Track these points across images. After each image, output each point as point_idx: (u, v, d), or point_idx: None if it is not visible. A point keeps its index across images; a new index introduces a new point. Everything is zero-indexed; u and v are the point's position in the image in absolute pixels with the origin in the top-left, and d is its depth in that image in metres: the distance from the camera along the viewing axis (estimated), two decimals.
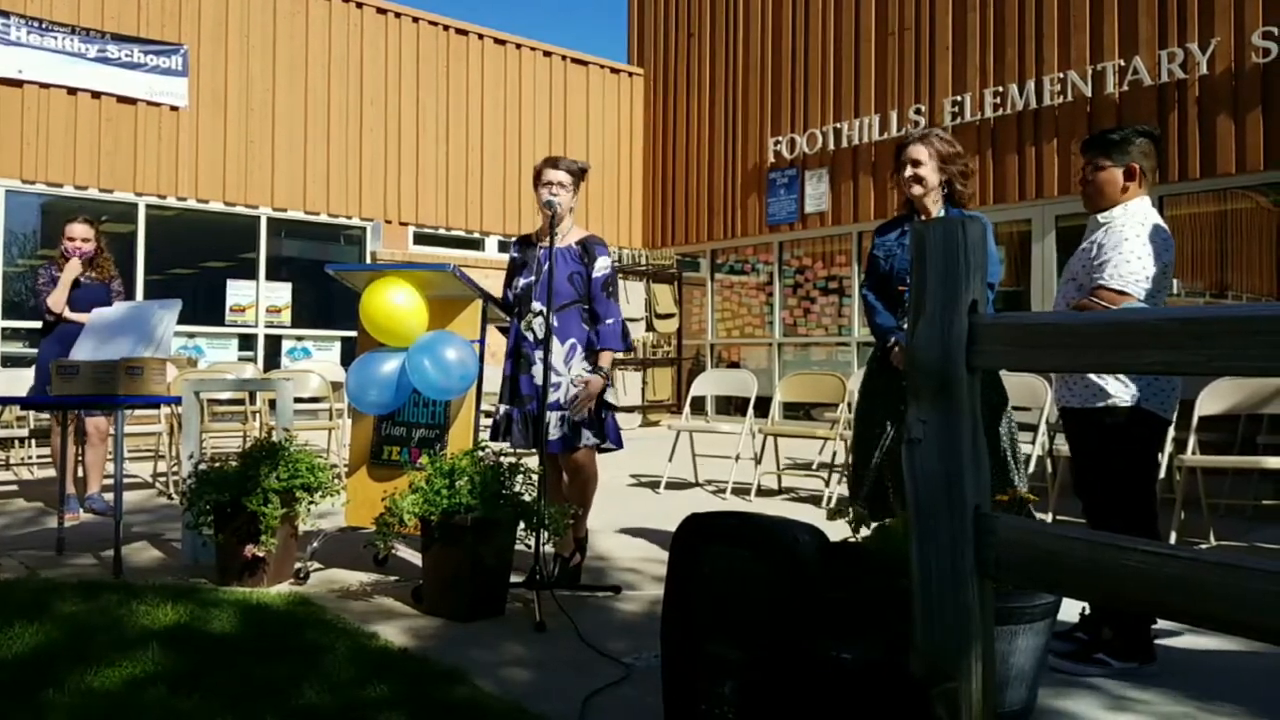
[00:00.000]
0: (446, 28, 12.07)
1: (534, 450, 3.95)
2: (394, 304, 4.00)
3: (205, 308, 10.34)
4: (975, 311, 1.78)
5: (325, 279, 4.66)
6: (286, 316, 10.88)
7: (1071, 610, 3.13)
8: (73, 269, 5.61)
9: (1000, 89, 9.64)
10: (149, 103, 9.95)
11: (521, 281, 4.13)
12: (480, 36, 12.33)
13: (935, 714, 1.72)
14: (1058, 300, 3.33)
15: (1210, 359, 1.46)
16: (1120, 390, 3.04)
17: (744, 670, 2.11)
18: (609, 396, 4.06)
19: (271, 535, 3.84)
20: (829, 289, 11.45)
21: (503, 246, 12.14)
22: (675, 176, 13.17)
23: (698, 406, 10.36)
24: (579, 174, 4.12)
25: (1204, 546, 4.74)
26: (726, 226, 12.42)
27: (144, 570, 4.19)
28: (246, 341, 10.63)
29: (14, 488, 6.63)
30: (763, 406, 7.05)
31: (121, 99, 9.81)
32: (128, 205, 9.91)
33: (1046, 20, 9.33)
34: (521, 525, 3.60)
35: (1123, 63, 8.76)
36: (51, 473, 6.48)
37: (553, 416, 3.90)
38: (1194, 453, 5.00)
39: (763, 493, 6.57)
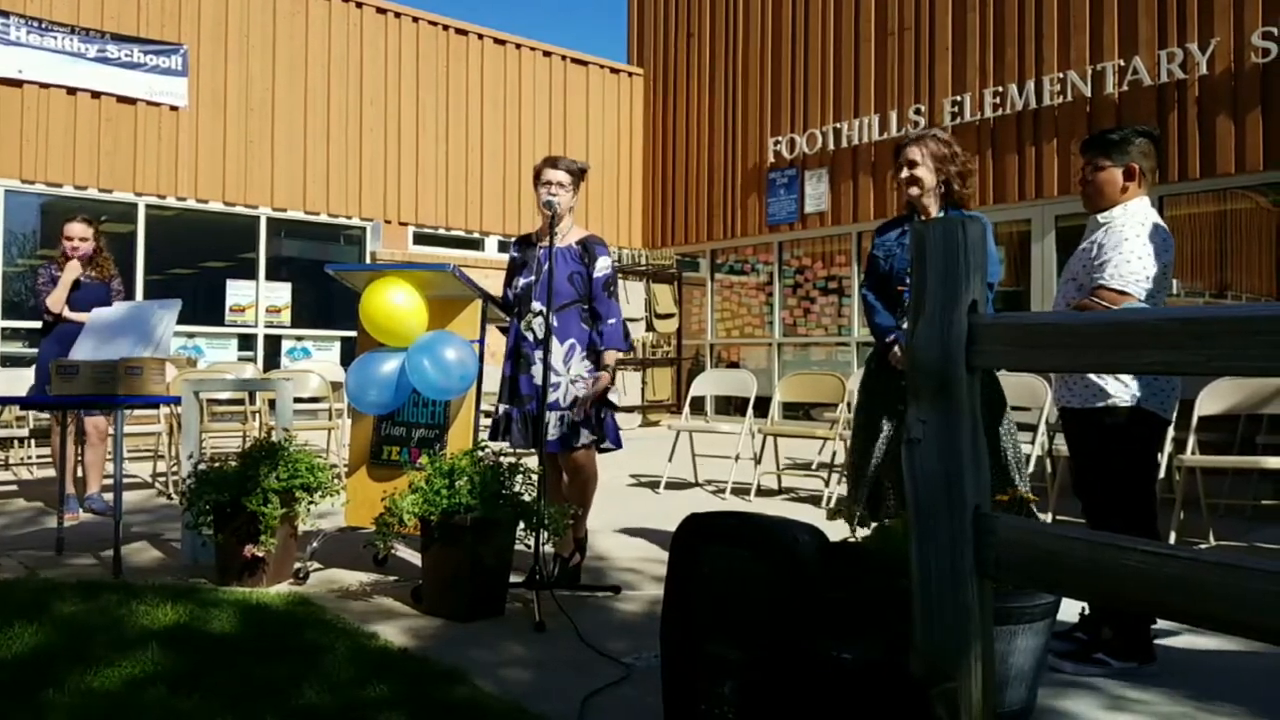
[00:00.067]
0: (446, 28, 12.07)
1: (533, 450, 3.95)
2: (394, 304, 4.00)
3: (205, 308, 10.34)
4: (975, 311, 1.78)
5: (325, 279, 4.66)
6: (286, 316, 10.88)
7: (1071, 610, 3.13)
8: (72, 270, 5.61)
9: (1000, 89, 9.64)
10: (149, 103, 9.95)
11: (521, 281, 4.13)
12: (480, 36, 12.33)
13: (935, 714, 1.72)
14: (1057, 300, 3.33)
15: (1210, 359, 1.46)
16: (1120, 390, 3.04)
17: (744, 670, 2.11)
18: (611, 396, 4.06)
19: (271, 535, 3.83)
20: (829, 289, 11.45)
21: (502, 246, 12.15)
22: (675, 176, 13.17)
23: (697, 406, 10.36)
24: (579, 174, 4.12)
25: (1204, 546, 4.74)
26: (726, 226, 12.42)
27: (144, 570, 4.19)
28: (246, 341, 10.63)
29: (14, 488, 6.63)
30: (762, 406, 7.05)
31: (121, 99, 9.81)
32: (127, 205, 9.91)
33: (1046, 20, 9.34)
34: (521, 525, 3.60)
35: (1122, 63, 8.76)
36: (51, 473, 6.48)
37: (552, 416, 3.90)
38: (1194, 453, 5.00)
39: (762, 493, 6.57)
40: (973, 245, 1.78)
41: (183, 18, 10.18)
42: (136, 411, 6.71)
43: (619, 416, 4.33)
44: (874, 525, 2.49)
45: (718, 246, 12.68)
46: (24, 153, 9.31)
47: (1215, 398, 5.08)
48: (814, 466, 7.38)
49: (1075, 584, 1.67)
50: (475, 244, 12.32)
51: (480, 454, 3.73)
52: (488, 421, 4.28)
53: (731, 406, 10.77)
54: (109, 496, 5.30)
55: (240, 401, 7.98)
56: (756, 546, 2.22)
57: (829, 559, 2.19)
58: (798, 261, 11.84)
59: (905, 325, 2.82)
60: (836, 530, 2.49)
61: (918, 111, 10.33)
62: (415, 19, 11.80)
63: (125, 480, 4.64)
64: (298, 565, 4.08)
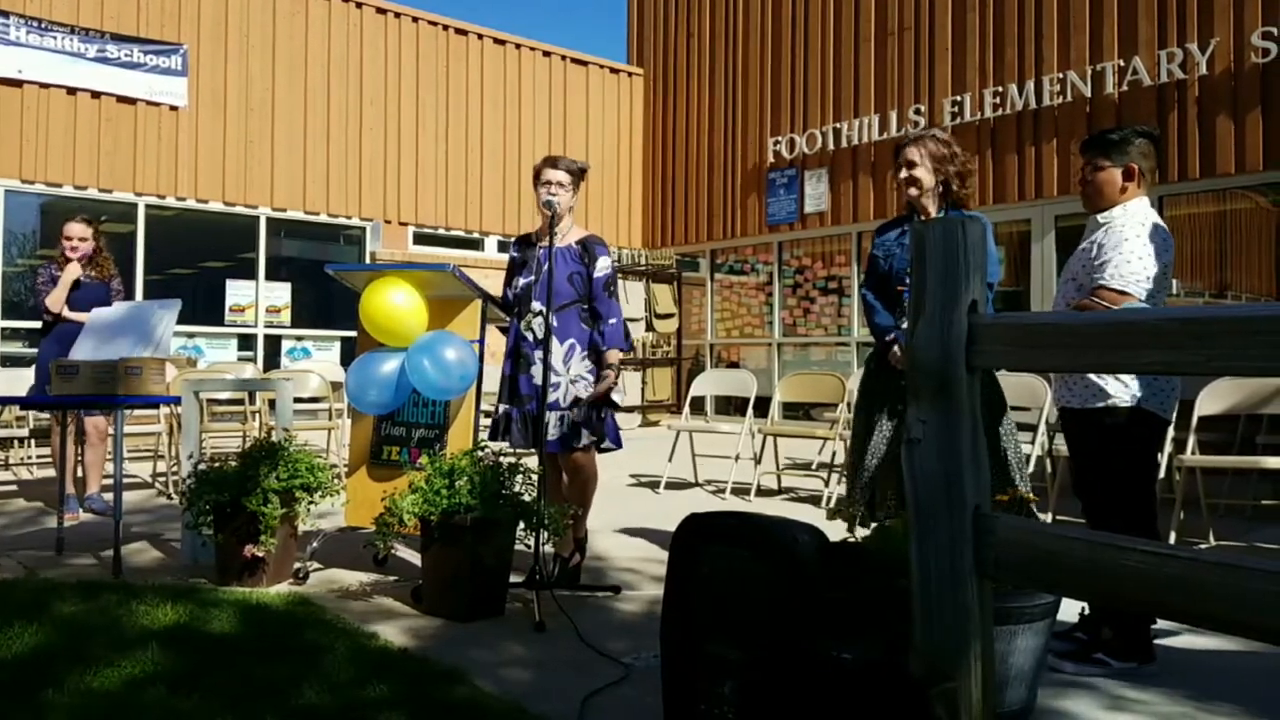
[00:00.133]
0: (446, 28, 12.07)
1: (533, 450, 3.95)
2: (394, 304, 4.00)
3: (205, 308, 10.34)
4: (975, 311, 1.78)
5: (325, 279, 4.66)
6: (286, 316, 10.87)
7: (1071, 610, 3.13)
8: (72, 271, 5.62)
9: (1000, 89, 9.64)
10: (148, 102, 9.95)
11: (521, 281, 4.13)
12: (480, 36, 12.33)
13: (935, 714, 1.72)
14: (1057, 300, 3.33)
15: (1210, 359, 1.46)
16: (1120, 390, 3.04)
17: (743, 670, 2.11)
18: (615, 396, 4.07)
19: (271, 535, 3.83)
20: (828, 289, 11.45)
21: (502, 246, 12.15)
22: (675, 176, 13.17)
23: (697, 406, 10.36)
24: (578, 174, 4.12)
25: (1203, 546, 4.74)
26: (726, 226, 12.43)
27: (143, 570, 4.19)
28: (246, 341, 10.63)
29: (14, 488, 6.63)
30: (762, 406, 7.05)
31: (121, 99, 9.81)
32: (127, 205, 9.91)
33: (1046, 20, 9.34)
34: (521, 525, 3.60)
35: (1122, 63, 8.76)
36: (51, 473, 6.48)
37: (552, 417, 3.90)
38: (1193, 453, 5.00)
39: (762, 493, 6.57)
40: (973, 245, 1.78)
41: (182, 18, 10.18)
42: (136, 411, 6.71)
43: (619, 416, 4.33)
44: (874, 525, 2.49)
45: (717, 246, 12.68)
46: (24, 153, 9.31)
47: (1215, 398, 5.08)
48: (814, 466, 7.38)
49: (1075, 584, 1.67)
50: (475, 244, 12.33)
51: (480, 454, 3.73)
52: (488, 421, 4.28)
53: (731, 406, 10.77)
54: (109, 496, 5.30)
55: (240, 401, 7.98)
56: (756, 546, 2.22)
57: (829, 559, 2.19)
58: (797, 261, 11.84)
59: (905, 325, 2.82)
60: (836, 530, 2.49)
61: (918, 111, 10.33)
62: (415, 19, 11.80)
63: (125, 480, 4.64)
64: (298, 565, 4.08)
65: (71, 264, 5.63)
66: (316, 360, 10.61)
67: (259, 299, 10.68)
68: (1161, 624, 3.18)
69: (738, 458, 6.59)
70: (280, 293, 10.85)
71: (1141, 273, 2.99)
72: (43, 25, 9.38)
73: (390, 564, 4.27)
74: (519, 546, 3.67)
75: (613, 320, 4.01)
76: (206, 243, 10.70)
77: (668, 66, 13.37)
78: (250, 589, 3.84)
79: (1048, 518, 5.10)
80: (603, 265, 4.05)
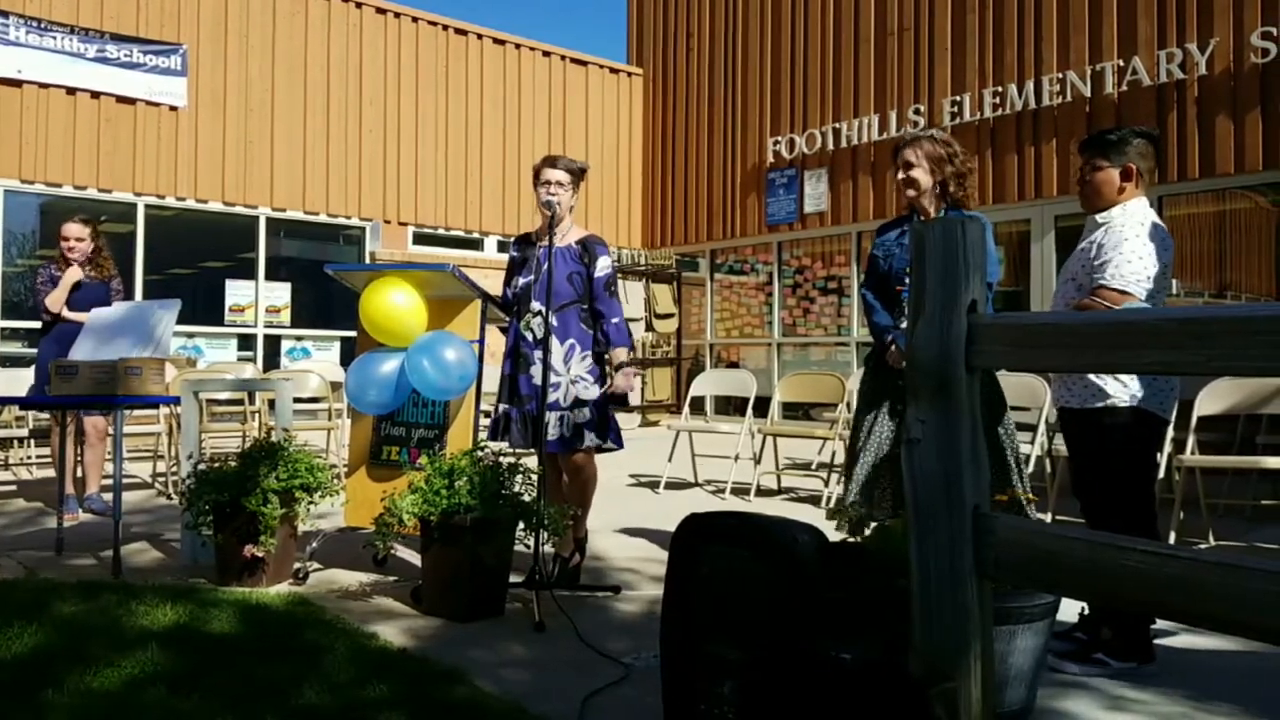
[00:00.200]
0: (446, 28, 12.06)
1: (533, 450, 3.95)
2: (393, 304, 4.00)
3: (204, 308, 10.33)
4: (974, 311, 1.78)
5: (324, 279, 4.66)
6: (286, 316, 10.87)
7: (1070, 610, 3.13)
8: (73, 275, 5.62)
9: (999, 89, 9.64)
10: (148, 103, 9.95)
11: (521, 281, 4.13)
12: (479, 36, 12.33)
13: (934, 714, 1.72)
14: (1056, 300, 3.33)
15: (1210, 359, 1.46)
16: (1119, 390, 3.04)
17: (743, 670, 2.11)
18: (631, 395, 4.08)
19: (271, 535, 3.83)
20: (828, 289, 11.45)
21: (502, 246, 12.15)
22: (674, 177, 13.17)
23: (697, 406, 10.36)
24: (578, 173, 4.12)
25: (1203, 546, 4.74)
26: (726, 226, 12.43)
27: (143, 570, 4.19)
28: (246, 341, 10.62)
29: (13, 488, 6.63)
30: (762, 406, 7.06)
31: (120, 99, 9.80)
32: (127, 205, 9.90)
33: (1045, 21, 9.34)
34: (521, 525, 3.60)
35: (1121, 63, 8.76)
36: (50, 473, 6.47)
37: (552, 417, 3.90)
38: (1193, 453, 5.00)
39: (762, 493, 6.57)
40: (972, 245, 1.78)
41: (182, 18, 10.18)
42: (136, 412, 6.71)
43: (619, 416, 4.33)
44: (873, 525, 2.49)
45: (717, 246, 12.68)
46: (23, 153, 9.31)
47: (1214, 398, 5.08)
48: (814, 466, 7.38)
49: (1074, 584, 1.67)
50: (475, 244, 12.32)
51: (480, 454, 3.73)
52: (487, 421, 4.28)
53: (731, 406, 10.77)
54: (108, 496, 5.30)
55: (240, 401, 7.98)
56: (756, 546, 2.22)
57: (828, 559, 2.19)
58: (797, 261, 11.84)
59: (904, 325, 2.83)
60: (836, 530, 2.49)
61: (917, 112, 10.33)
62: (415, 19, 11.80)
63: (125, 480, 4.64)
64: (297, 565, 4.08)
65: (72, 267, 5.63)
66: (316, 360, 10.61)
67: (259, 299, 10.68)
68: (1161, 624, 3.18)
69: (737, 458, 6.59)
70: (280, 293, 10.85)
71: (1142, 272, 2.99)
72: (42, 25, 9.38)
73: (390, 564, 4.27)
74: (519, 546, 3.67)
75: (615, 319, 4.02)
76: (206, 243, 10.70)
77: (667, 66, 13.37)
78: (250, 589, 3.84)
79: (1047, 518, 5.10)
80: (603, 265, 4.05)
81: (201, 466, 4.10)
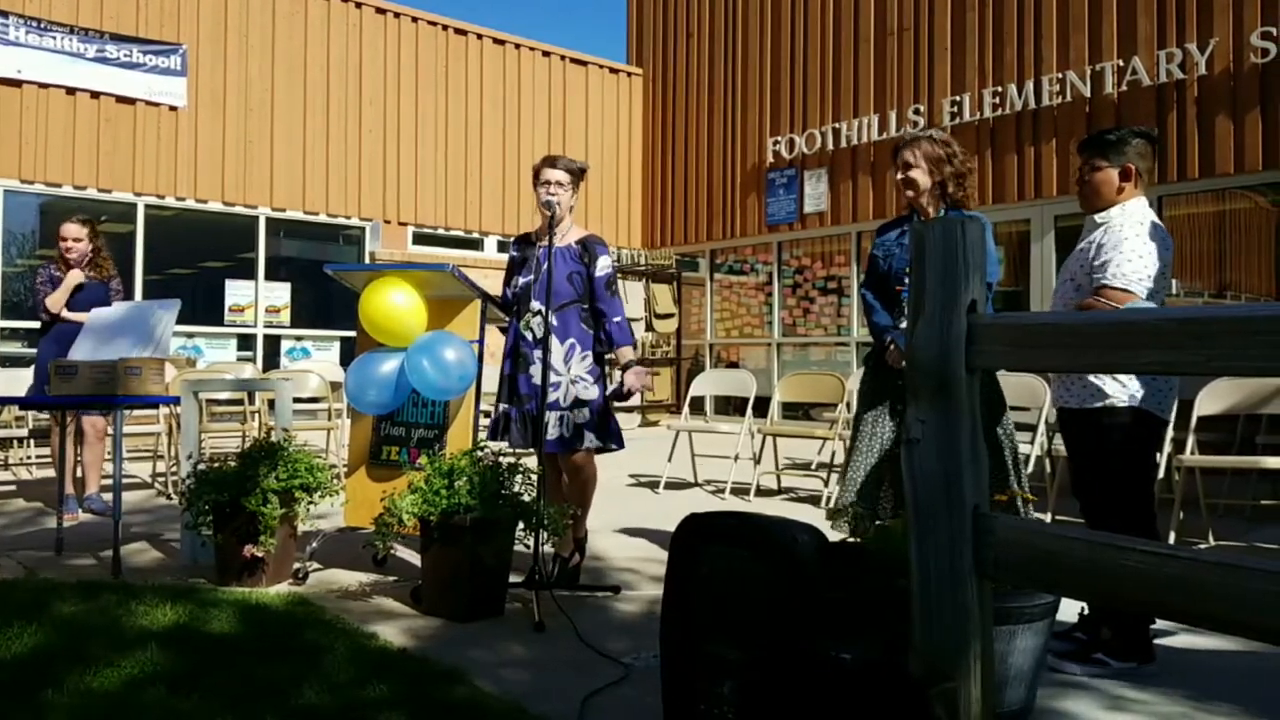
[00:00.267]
0: (446, 28, 12.06)
1: (533, 450, 3.95)
2: (393, 304, 4.00)
3: (204, 308, 10.33)
4: (974, 311, 1.78)
5: (324, 279, 4.66)
6: (285, 316, 10.87)
7: (1070, 610, 3.13)
8: (75, 278, 5.62)
9: (999, 89, 9.64)
10: (148, 103, 9.94)
11: (520, 281, 4.13)
12: (479, 36, 12.33)
13: (934, 714, 1.72)
14: (1055, 300, 3.33)
15: (1210, 359, 1.46)
16: (1118, 390, 3.04)
17: (743, 670, 2.11)
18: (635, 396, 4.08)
19: (270, 535, 3.83)
20: (828, 289, 11.45)
21: (501, 246, 12.15)
22: (674, 177, 13.17)
23: (697, 406, 10.36)
24: (578, 173, 4.12)
25: (1203, 546, 4.74)
26: (726, 226, 12.43)
27: (143, 570, 4.19)
28: (245, 341, 10.62)
29: (13, 488, 6.63)
30: (762, 406, 7.06)
31: (120, 99, 9.80)
32: (126, 205, 9.90)
33: (1045, 20, 9.34)
34: (521, 525, 3.60)
35: (1121, 63, 8.76)
36: (50, 473, 6.47)
37: (552, 416, 3.90)
38: (1193, 453, 5.00)
39: (762, 493, 6.57)
40: (972, 245, 1.78)
41: (181, 18, 10.18)
42: (136, 412, 6.71)
43: (619, 416, 4.33)
44: (873, 526, 2.49)
45: (717, 246, 12.68)
46: (23, 153, 9.31)
47: (1214, 398, 5.08)
48: (813, 466, 7.39)
49: (1074, 584, 1.67)
50: (475, 244, 12.32)
51: (480, 454, 3.73)
52: (487, 421, 4.28)
53: (731, 406, 10.77)
54: (108, 496, 5.30)
55: (239, 401, 7.98)
56: (756, 546, 2.22)
57: (828, 559, 2.19)
58: (797, 261, 11.84)
59: (904, 325, 2.83)
60: (835, 530, 2.49)
61: (917, 111, 10.33)
62: (415, 19, 11.80)
63: (125, 480, 4.64)
64: (297, 565, 4.08)
65: (74, 270, 5.63)
66: (316, 360, 10.60)
67: (258, 299, 10.68)
68: (1161, 624, 3.18)
69: (737, 458, 6.59)
70: (280, 293, 10.85)
71: (1143, 271, 2.99)
72: (42, 25, 9.37)
73: (390, 564, 4.27)
74: (518, 546, 3.67)
75: (617, 319, 4.02)
76: (206, 243, 10.70)
77: (667, 66, 13.37)
78: (250, 589, 3.84)
79: (1047, 518, 5.10)
80: (603, 265, 4.05)
81: (201, 466, 4.10)
